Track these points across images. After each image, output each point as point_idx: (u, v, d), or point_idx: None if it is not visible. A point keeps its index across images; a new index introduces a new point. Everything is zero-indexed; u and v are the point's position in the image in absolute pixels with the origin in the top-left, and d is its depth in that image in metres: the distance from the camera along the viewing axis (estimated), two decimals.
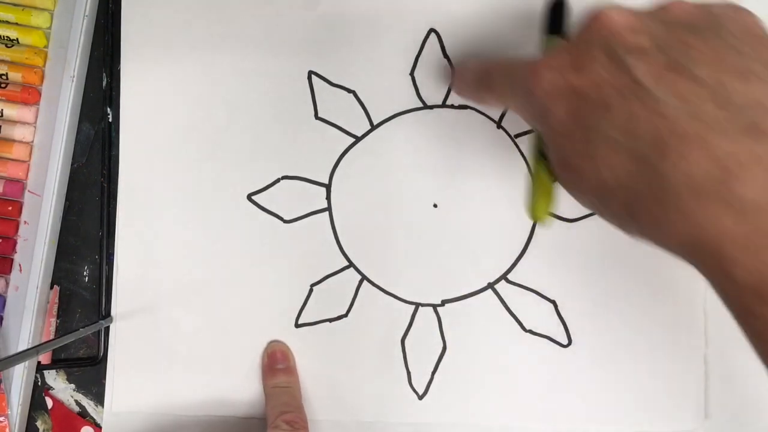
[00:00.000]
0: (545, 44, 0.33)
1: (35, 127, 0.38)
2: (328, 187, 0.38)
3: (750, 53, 0.24)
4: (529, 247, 0.38)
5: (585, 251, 0.37)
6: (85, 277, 0.39)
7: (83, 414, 0.39)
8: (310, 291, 0.38)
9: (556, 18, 0.32)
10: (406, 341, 0.38)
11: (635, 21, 0.25)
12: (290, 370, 0.37)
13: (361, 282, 0.38)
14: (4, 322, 0.37)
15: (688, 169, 0.22)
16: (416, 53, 0.38)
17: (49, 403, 0.39)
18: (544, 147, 0.29)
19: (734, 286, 0.22)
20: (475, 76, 0.33)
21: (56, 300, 0.39)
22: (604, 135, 0.24)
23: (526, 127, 0.38)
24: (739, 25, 0.25)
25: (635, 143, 0.23)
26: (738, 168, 0.21)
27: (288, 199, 0.38)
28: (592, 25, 0.26)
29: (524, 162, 0.38)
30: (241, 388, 0.38)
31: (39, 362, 0.38)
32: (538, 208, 0.30)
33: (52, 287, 0.39)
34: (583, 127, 0.25)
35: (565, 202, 0.37)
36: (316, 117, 0.38)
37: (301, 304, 0.38)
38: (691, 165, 0.22)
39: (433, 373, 0.38)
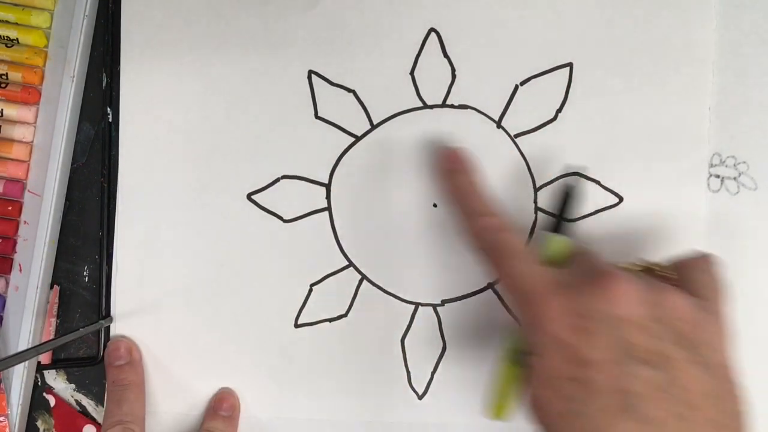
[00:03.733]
0: (547, 243, 0.33)
1: (35, 127, 0.38)
2: (327, 186, 0.38)
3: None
4: None
5: None
6: (85, 277, 0.39)
7: (83, 414, 0.39)
8: (310, 291, 0.38)
9: (564, 208, 0.34)
10: (406, 341, 0.38)
11: (643, 317, 0.27)
12: (232, 420, 0.37)
13: (360, 282, 0.38)
14: (4, 322, 0.37)
15: None
16: (416, 53, 0.38)
17: (52, 401, 0.39)
18: (522, 355, 0.31)
19: None
20: (479, 231, 0.33)
21: (56, 300, 0.39)
22: (584, 417, 0.26)
23: (526, 128, 0.38)
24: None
25: None
26: None
27: (288, 198, 0.38)
28: (602, 292, 0.27)
29: (524, 162, 0.38)
30: (240, 387, 0.38)
31: (39, 362, 0.39)
32: (499, 409, 0.33)
33: (52, 287, 0.39)
34: (568, 398, 0.27)
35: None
36: (316, 117, 0.38)
37: (301, 303, 0.38)
38: None
39: (433, 373, 0.38)
